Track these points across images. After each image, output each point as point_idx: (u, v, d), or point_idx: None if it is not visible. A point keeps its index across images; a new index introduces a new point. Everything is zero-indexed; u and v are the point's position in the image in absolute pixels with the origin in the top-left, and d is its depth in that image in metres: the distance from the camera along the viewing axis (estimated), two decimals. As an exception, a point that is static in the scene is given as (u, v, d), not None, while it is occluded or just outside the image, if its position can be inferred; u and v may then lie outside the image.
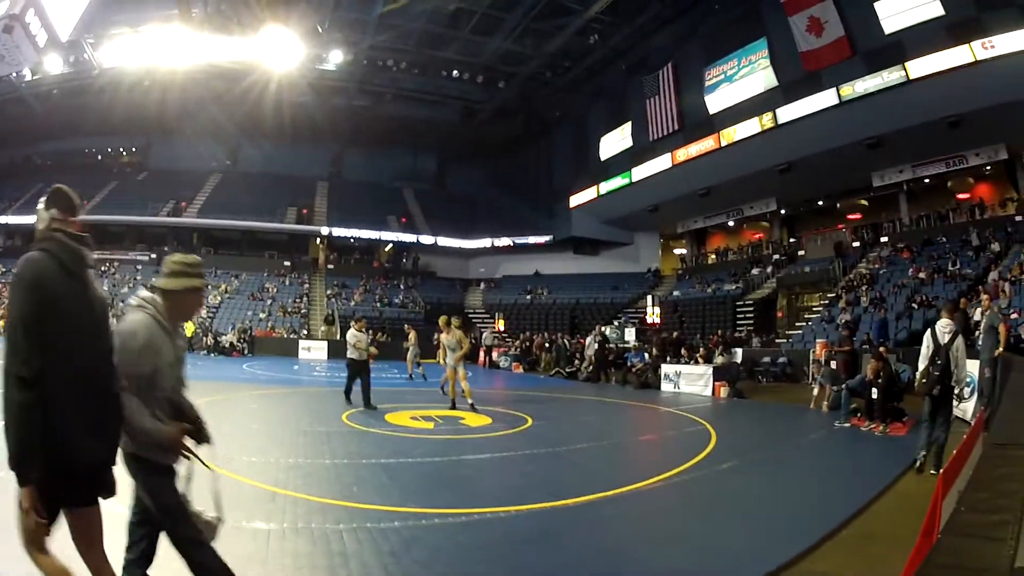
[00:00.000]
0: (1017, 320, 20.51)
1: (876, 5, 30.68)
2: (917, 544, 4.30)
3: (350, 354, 16.07)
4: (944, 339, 9.90)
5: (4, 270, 49.03)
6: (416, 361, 28.39)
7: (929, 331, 10.18)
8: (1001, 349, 13.78)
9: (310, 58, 44.70)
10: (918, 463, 9.75)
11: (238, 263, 54.81)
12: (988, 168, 32.82)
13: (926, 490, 5.58)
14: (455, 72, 49.76)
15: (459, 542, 6.42)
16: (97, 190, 55.83)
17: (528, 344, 38.76)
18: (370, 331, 30.27)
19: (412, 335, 29.63)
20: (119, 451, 3.72)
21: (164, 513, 4.00)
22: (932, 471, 9.29)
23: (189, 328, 38.69)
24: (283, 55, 39.88)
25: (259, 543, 6.06)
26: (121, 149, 61.05)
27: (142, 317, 3.83)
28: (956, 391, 10.17)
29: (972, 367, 14.25)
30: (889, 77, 29.51)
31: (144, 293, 4.00)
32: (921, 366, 10.01)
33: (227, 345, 39.56)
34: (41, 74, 45.21)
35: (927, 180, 35.00)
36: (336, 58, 46.69)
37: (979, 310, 19.16)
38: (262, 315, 46.23)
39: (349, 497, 7.89)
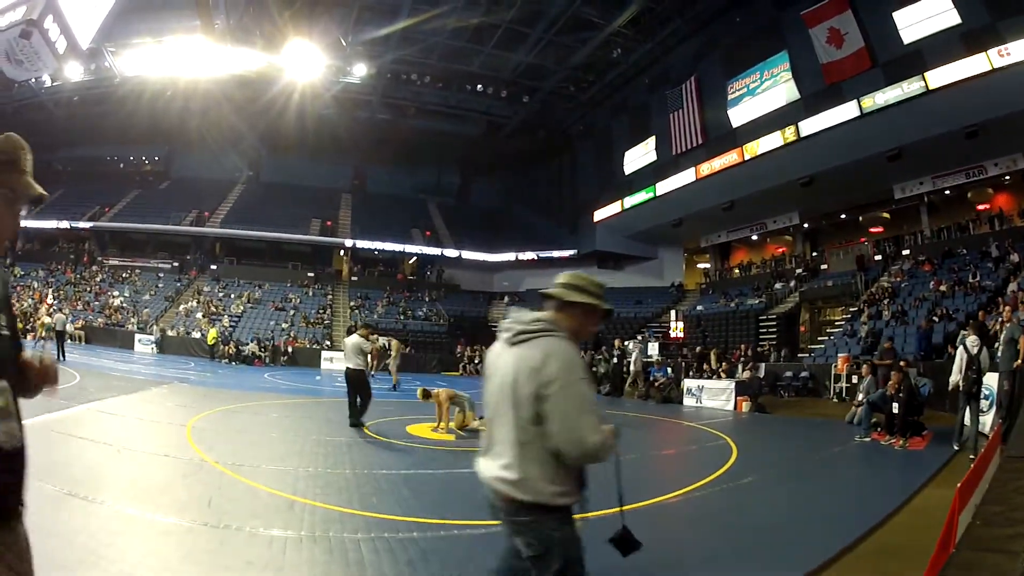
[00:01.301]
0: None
1: (895, 15, 30.61)
2: (933, 557, 4.31)
3: (351, 364, 14.62)
4: (974, 351, 13.13)
5: (23, 273, 49.49)
6: (390, 370, 28.46)
7: (961, 346, 13.59)
8: (1020, 362, 13.76)
9: (333, 71, 44.98)
10: (956, 446, 12.97)
11: (261, 274, 55.03)
12: (1007, 178, 32.61)
13: (944, 504, 5.56)
14: (478, 86, 49.87)
15: (477, 554, 6.36)
16: (119, 198, 56.56)
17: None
18: (384, 340, 30.38)
19: (395, 344, 29.64)
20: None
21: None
22: (972, 455, 11.16)
23: (211, 335, 38.88)
24: (306, 67, 40.12)
25: (276, 550, 6.09)
26: (144, 158, 61.38)
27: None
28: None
29: (991, 380, 14.21)
30: (909, 88, 29.41)
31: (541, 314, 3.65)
32: (956, 375, 13.35)
33: (249, 354, 39.65)
34: (61, 80, 45.62)
35: (947, 191, 34.93)
36: (359, 71, 46.91)
37: (999, 321, 19.07)
38: (284, 325, 46.35)
39: (368, 507, 7.90)
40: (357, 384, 14.53)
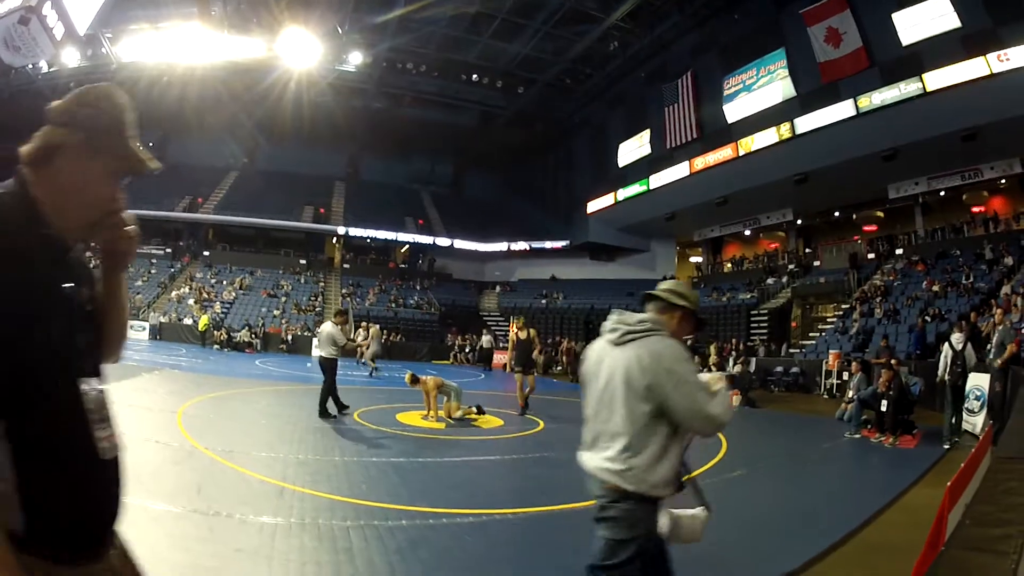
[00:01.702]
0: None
1: (894, 16, 30.64)
2: (921, 556, 4.32)
3: (324, 352, 14.72)
4: (958, 347, 14.49)
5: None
6: (372, 358, 28.08)
7: (947, 343, 14.89)
8: (1001, 362, 14.05)
9: (329, 59, 44.88)
10: (946, 445, 13.54)
11: (253, 260, 55.12)
12: (1003, 181, 32.70)
13: (933, 502, 5.59)
14: (474, 76, 49.84)
15: (466, 543, 6.46)
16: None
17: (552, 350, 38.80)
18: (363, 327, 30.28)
19: (374, 330, 29.48)
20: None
21: None
22: (956, 439, 13.76)
23: (203, 322, 38.82)
24: (302, 55, 40.03)
25: (265, 537, 6.12)
26: (139, 143, 60.80)
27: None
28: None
29: (982, 380, 14.30)
30: (906, 89, 29.43)
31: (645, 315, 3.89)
32: (942, 369, 14.71)
33: (240, 341, 39.59)
34: (58, 67, 45.41)
35: (942, 193, 34.94)
36: (355, 59, 46.90)
37: (991, 322, 19.23)
38: (276, 312, 46.30)
39: (357, 495, 7.92)
40: (327, 372, 14.43)
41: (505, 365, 35.13)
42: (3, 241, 1.62)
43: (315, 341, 38.26)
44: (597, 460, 3.71)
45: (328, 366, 14.40)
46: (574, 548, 6.57)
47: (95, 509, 1.82)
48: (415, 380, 14.89)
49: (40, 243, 1.72)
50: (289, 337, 42.02)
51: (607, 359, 3.76)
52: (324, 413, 14.04)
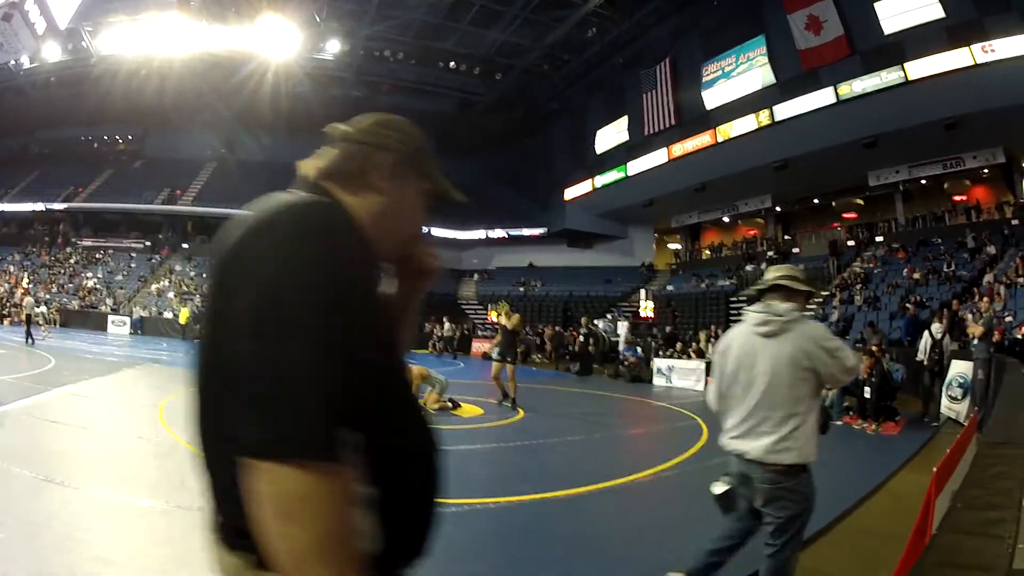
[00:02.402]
0: (1012, 323, 20.58)
1: (876, 5, 30.73)
2: (910, 541, 4.31)
3: None
4: (938, 336, 15.80)
5: (1, 258, 49.12)
6: None
7: (927, 331, 16.23)
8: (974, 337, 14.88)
9: (307, 48, 44.70)
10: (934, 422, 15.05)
11: (232, 251, 54.18)
12: (985, 171, 32.86)
13: (918, 489, 5.62)
14: (452, 64, 49.77)
15: (447, 533, 6.30)
16: (92, 178, 56.33)
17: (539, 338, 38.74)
18: None
19: None
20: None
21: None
22: (934, 423, 14.98)
23: (184, 315, 38.61)
24: (280, 44, 39.87)
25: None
26: (117, 137, 60.90)
27: None
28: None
29: (966, 368, 14.41)
30: (888, 77, 29.52)
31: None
32: (922, 355, 16.04)
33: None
34: (39, 62, 45.21)
35: (924, 181, 35.10)
36: (333, 48, 46.71)
37: (975, 311, 19.52)
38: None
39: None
40: None
41: (484, 353, 35.12)
42: (358, 242, 1.60)
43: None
44: (762, 445, 4.17)
45: None
46: (559, 535, 6.60)
47: (435, 510, 1.90)
48: None
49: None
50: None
51: (762, 352, 4.24)
52: None
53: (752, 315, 4.35)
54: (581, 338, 31.28)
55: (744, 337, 4.38)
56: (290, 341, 1.36)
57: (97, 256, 52.04)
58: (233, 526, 1.52)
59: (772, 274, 4.46)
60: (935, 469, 4.74)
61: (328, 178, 1.89)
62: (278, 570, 1.34)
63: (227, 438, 1.40)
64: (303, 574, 1.30)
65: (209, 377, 1.58)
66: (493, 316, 16.26)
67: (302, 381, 1.34)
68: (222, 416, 1.49)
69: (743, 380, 4.27)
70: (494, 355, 16.25)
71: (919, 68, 28.52)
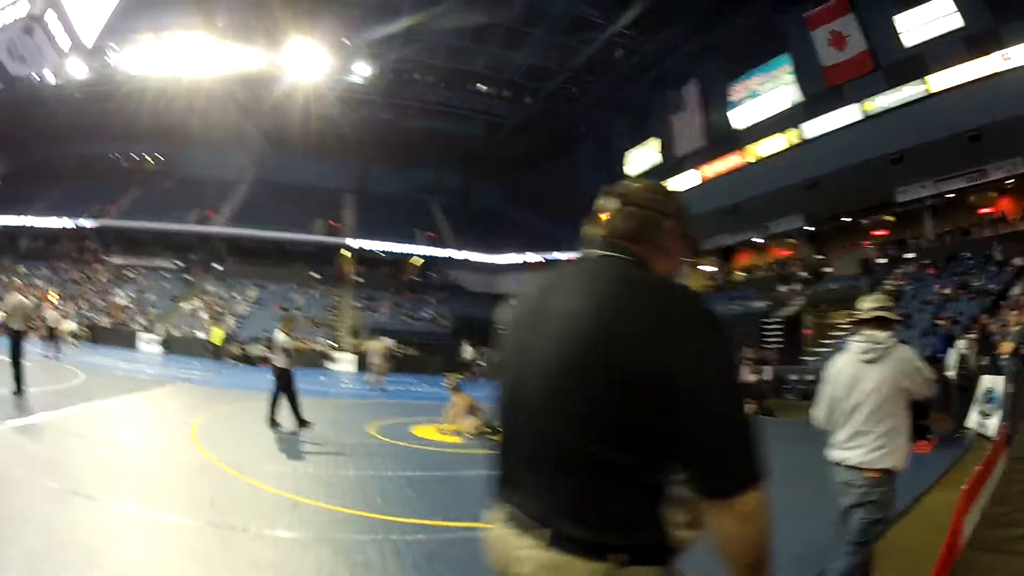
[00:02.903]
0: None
1: (896, 19, 30.71)
2: (940, 557, 4.30)
3: (277, 362, 14.06)
4: (965, 351, 16.12)
5: (27, 272, 49.45)
6: (381, 372, 27.96)
7: (956, 349, 16.34)
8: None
9: (336, 70, 44.94)
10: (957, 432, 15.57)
11: (265, 273, 55.08)
12: (1009, 181, 32.55)
13: (950, 506, 5.57)
14: (480, 86, 49.99)
15: (483, 557, 6.35)
16: (119, 195, 56.76)
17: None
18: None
19: (379, 345, 29.25)
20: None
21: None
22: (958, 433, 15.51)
23: (217, 336, 38.72)
24: (309, 67, 40.12)
25: (281, 551, 6.10)
26: (146, 155, 61.53)
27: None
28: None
29: (997, 382, 14.35)
30: (911, 91, 29.67)
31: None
32: (951, 371, 15.88)
33: (255, 355, 39.25)
34: (64, 78, 45.59)
35: (950, 195, 34.83)
36: (362, 71, 46.94)
37: (1003, 324, 19.45)
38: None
39: (373, 508, 7.88)
40: (280, 383, 13.89)
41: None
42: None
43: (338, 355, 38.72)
44: (860, 452, 4.84)
45: (279, 376, 13.91)
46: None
47: None
48: (457, 388, 15.23)
49: None
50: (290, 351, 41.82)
51: (865, 375, 4.90)
52: (275, 423, 13.65)
53: (856, 345, 5.04)
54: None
55: (850, 364, 5.04)
56: (738, 405, 1.91)
57: (127, 274, 52.32)
58: (596, 544, 1.81)
59: (868, 305, 5.14)
60: (964, 488, 4.82)
61: (624, 239, 2.13)
62: (735, 560, 1.87)
63: (634, 472, 1.82)
64: (757, 556, 1.88)
65: (595, 419, 1.83)
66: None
67: (753, 431, 1.88)
68: (624, 457, 1.81)
69: (852, 401, 4.92)
70: None
71: (941, 80, 28.69)
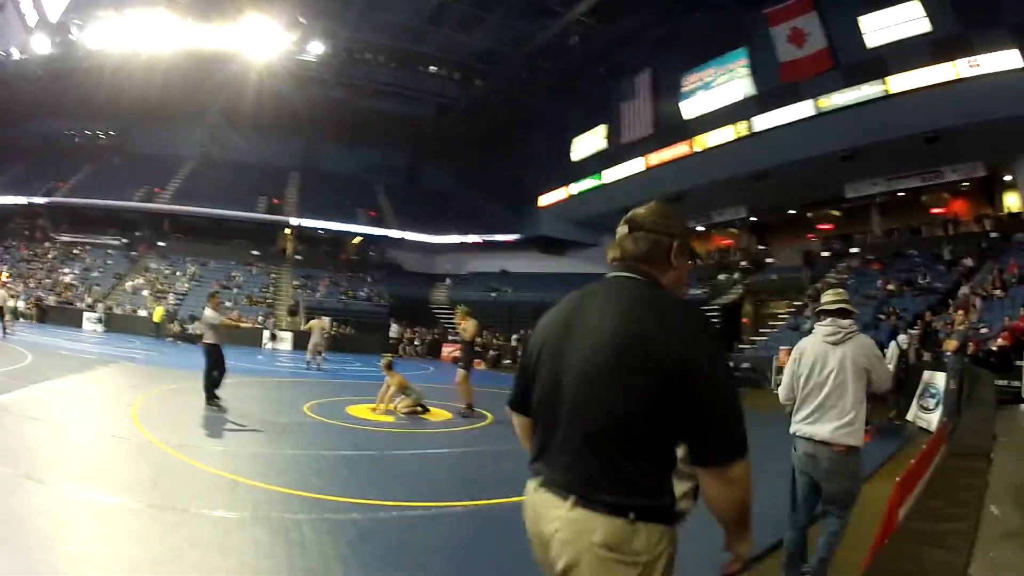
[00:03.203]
0: (987, 334, 20.81)
1: (860, 19, 30.99)
2: (872, 548, 4.40)
3: (207, 338, 14.33)
4: (904, 347, 17.22)
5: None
6: (318, 351, 27.78)
7: (894, 341, 17.10)
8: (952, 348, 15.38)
9: (291, 48, 44.68)
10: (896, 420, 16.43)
11: (207, 251, 54.60)
12: (965, 184, 33.14)
13: (886, 497, 5.71)
14: (432, 68, 49.89)
15: (415, 535, 6.55)
16: (73, 173, 55.83)
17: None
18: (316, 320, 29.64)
19: (318, 323, 28.87)
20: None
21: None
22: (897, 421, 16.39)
23: (158, 314, 38.34)
24: (264, 44, 39.84)
25: (220, 531, 6.16)
26: (99, 132, 60.61)
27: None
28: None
29: (939, 378, 14.63)
30: (869, 91, 29.85)
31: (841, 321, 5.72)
32: (892, 365, 15.36)
33: (194, 333, 38.90)
34: (29, 54, 44.93)
35: (901, 194, 35.35)
36: (316, 49, 46.65)
37: (948, 323, 19.84)
38: (228, 304, 45.92)
39: (308, 487, 7.95)
40: (211, 358, 14.02)
41: (454, 358, 35.23)
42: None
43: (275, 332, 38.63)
44: (828, 428, 5.31)
45: (208, 351, 14.09)
46: (523, 539, 6.62)
47: None
48: (389, 367, 15.17)
49: None
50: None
51: (831, 354, 5.49)
52: (212, 400, 13.77)
53: (822, 328, 5.68)
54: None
55: (815, 345, 5.63)
56: (734, 393, 2.47)
57: (75, 252, 51.64)
58: (607, 502, 2.28)
59: (832, 298, 5.81)
60: (897, 480, 4.94)
61: (640, 261, 2.66)
62: (725, 517, 2.47)
63: (638, 433, 2.31)
64: (743, 513, 2.46)
65: (606, 392, 2.36)
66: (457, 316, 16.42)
67: (741, 413, 2.42)
68: (640, 434, 2.32)
69: (815, 378, 5.48)
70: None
71: (901, 82, 28.88)
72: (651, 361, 2.27)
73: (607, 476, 2.30)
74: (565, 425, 2.46)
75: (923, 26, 29.43)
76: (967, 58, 27.05)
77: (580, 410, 2.41)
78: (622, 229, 2.75)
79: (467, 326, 15.96)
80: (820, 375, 5.48)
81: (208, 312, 14.43)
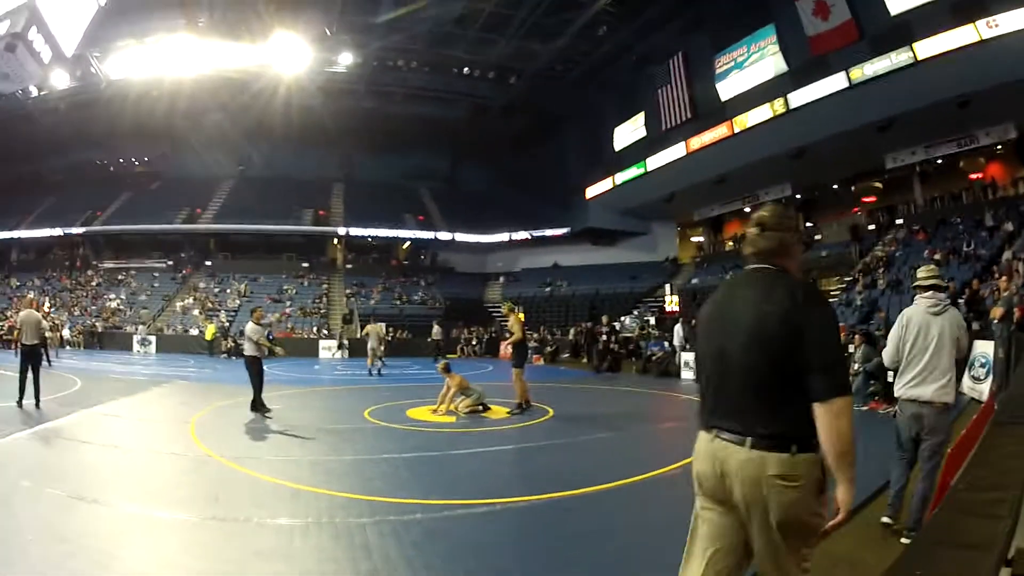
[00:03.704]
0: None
1: (882, -15, 30.56)
2: (926, 524, 4.39)
3: (248, 351, 14.87)
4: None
5: (19, 284, 49.50)
6: (377, 355, 27.87)
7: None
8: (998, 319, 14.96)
9: (319, 61, 44.77)
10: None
11: (256, 267, 55.08)
12: (999, 147, 32.58)
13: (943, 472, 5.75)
14: (465, 70, 49.71)
15: (480, 533, 6.55)
16: (110, 201, 56.69)
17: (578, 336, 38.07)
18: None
19: (375, 328, 28.83)
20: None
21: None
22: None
23: (210, 332, 38.77)
24: (292, 59, 39.99)
25: (282, 538, 6.21)
26: (133, 159, 61.19)
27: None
28: None
29: (987, 347, 14.42)
30: (897, 59, 29.37)
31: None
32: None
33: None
34: (47, 89, 45.35)
35: (939, 161, 34.76)
36: (345, 60, 46.70)
37: (994, 289, 19.43)
38: (279, 316, 46.26)
39: (371, 491, 7.96)
40: (253, 370, 14.49)
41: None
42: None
43: (330, 343, 38.89)
44: (932, 389, 6.23)
45: (251, 364, 14.52)
46: (588, 531, 6.65)
47: None
48: (447, 370, 15.22)
49: None
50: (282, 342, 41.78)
51: (933, 323, 6.37)
52: (256, 408, 14.28)
53: (924, 300, 6.56)
54: (604, 336, 31.12)
55: (919, 315, 6.50)
56: (840, 347, 3.25)
57: (120, 277, 52.33)
58: (773, 436, 3.09)
59: (926, 274, 6.80)
60: (948, 451, 5.04)
61: (774, 256, 3.44)
62: (833, 451, 3.02)
63: (788, 385, 3.08)
64: (846, 446, 3.02)
65: (763, 357, 3.16)
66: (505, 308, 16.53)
67: (845, 363, 3.27)
68: (786, 380, 3.09)
69: (920, 343, 6.37)
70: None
71: (927, 47, 28.35)
72: (788, 327, 3.11)
73: (773, 421, 3.13)
74: (735, 385, 3.27)
75: (940, -11, 28.96)
76: (985, 19, 26.60)
77: (747, 370, 3.21)
78: (753, 230, 3.53)
79: (512, 324, 15.97)
80: (924, 341, 6.36)
81: (250, 326, 14.82)
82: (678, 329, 28.66)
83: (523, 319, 15.81)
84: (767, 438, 3.11)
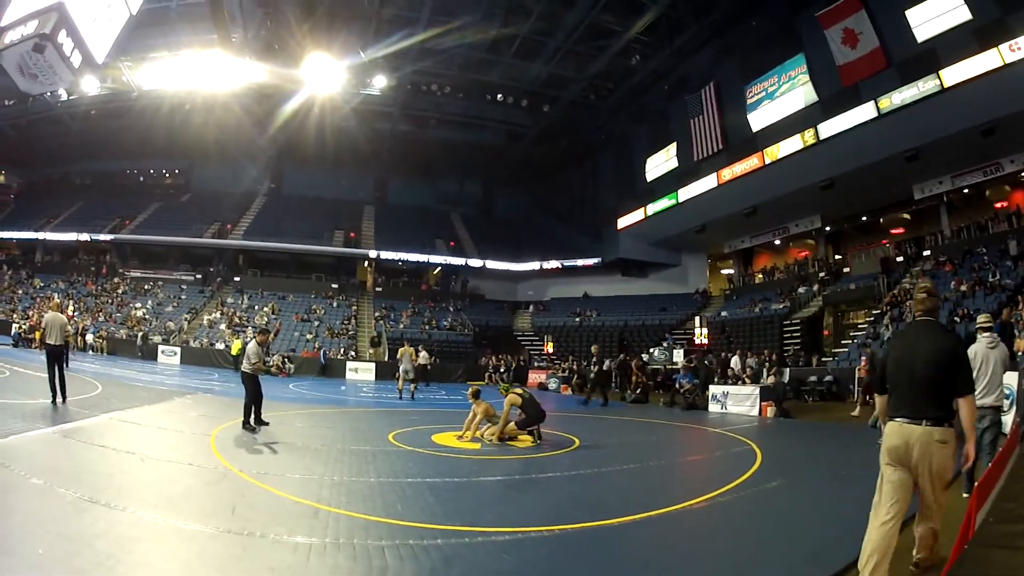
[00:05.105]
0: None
1: (907, 13, 30.39)
2: (952, 554, 4.33)
3: (245, 368, 15.00)
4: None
5: (43, 285, 50.09)
6: (408, 379, 27.31)
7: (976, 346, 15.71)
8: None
9: (353, 83, 44.97)
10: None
11: (285, 285, 55.32)
12: (1023, 175, 32.43)
13: (959, 498, 5.75)
14: (499, 96, 49.87)
15: (501, 560, 6.47)
16: (139, 211, 57.40)
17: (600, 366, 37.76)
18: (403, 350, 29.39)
19: (407, 350, 28.28)
20: None
21: None
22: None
23: (236, 347, 38.88)
24: (325, 80, 40.15)
25: (299, 557, 6.13)
26: (164, 171, 62.19)
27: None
28: None
29: (1011, 379, 14.27)
30: (925, 87, 29.28)
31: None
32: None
33: (273, 365, 39.26)
34: (78, 95, 45.88)
35: (965, 190, 34.65)
36: (379, 83, 46.85)
37: (1020, 319, 19.26)
38: (309, 336, 46.46)
39: (392, 514, 7.90)
40: (248, 386, 14.62)
41: (540, 384, 35.29)
42: None
43: (357, 364, 38.86)
44: (991, 399, 8.68)
45: (248, 381, 14.66)
46: (611, 563, 6.57)
47: None
48: (476, 396, 15.19)
49: None
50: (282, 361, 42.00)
51: (991, 355, 8.83)
52: (246, 424, 14.36)
53: (984, 338, 9.06)
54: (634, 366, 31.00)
55: (982, 350, 8.88)
56: (969, 366, 5.54)
57: (146, 287, 52.73)
58: (937, 417, 5.29)
59: (984, 319, 9.47)
60: (976, 484, 5.04)
61: (933, 312, 5.75)
62: (966, 425, 5.32)
63: (945, 389, 5.37)
64: (971, 421, 5.34)
65: (937, 372, 5.33)
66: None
67: (971, 373, 5.65)
68: (945, 386, 5.35)
69: (983, 369, 8.73)
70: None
71: (953, 74, 28.26)
72: (951, 356, 5.33)
73: (939, 408, 5.32)
74: (918, 388, 5.40)
75: (963, 15, 28.79)
76: (1009, 42, 26.47)
77: (927, 379, 5.35)
78: (922, 295, 5.78)
79: (505, 404, 15.55)
80: (987, 368, 8.80)
81: (251, 346, 14.95)
82: (735, 361, 28.59)
83: (520, 401, 15.34)
84: (933, 419, 5.28)
